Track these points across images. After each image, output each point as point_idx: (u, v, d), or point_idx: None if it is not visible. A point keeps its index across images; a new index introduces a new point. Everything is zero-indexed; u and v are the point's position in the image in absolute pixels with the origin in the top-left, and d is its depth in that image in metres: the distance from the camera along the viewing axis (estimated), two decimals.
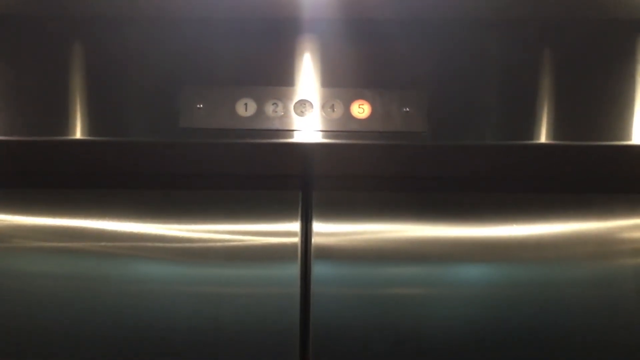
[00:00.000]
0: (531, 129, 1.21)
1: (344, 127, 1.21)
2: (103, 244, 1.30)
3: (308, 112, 1.22)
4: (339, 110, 1.22)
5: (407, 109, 1.21)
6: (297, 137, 1.21)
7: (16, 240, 1.31)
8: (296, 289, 1.29)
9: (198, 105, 1.21)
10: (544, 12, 1.22)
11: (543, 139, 1.21)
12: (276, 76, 1.23)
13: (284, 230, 1.31)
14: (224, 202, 1.32)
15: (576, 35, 1.23)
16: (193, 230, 1.32)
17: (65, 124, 1.21)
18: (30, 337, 1.27)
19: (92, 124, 1.21)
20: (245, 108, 1.22)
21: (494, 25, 1.23)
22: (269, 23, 1.23)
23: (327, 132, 1.21)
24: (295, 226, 1.31)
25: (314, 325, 1.27)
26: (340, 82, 1.23)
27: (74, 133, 1.21)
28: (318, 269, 1.29)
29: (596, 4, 1.21)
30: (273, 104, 1.22)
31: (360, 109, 1.22)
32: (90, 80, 1.23)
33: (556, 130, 1.21)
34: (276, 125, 1.21)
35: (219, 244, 1.31)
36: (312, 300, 1.28)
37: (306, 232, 1.31)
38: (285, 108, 1.21)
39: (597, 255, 1.31)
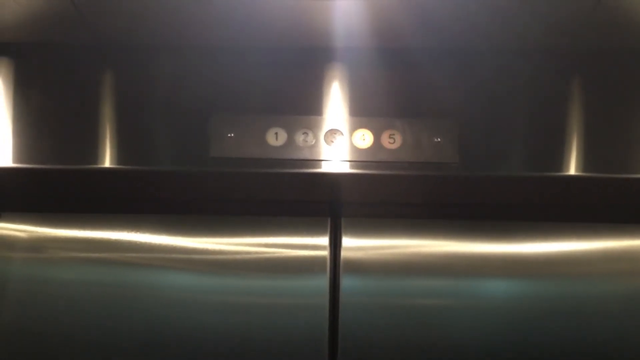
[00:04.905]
0: (561, 160, 1.21)
1: (374, 157, 1.21)
2: (137, 255, 1.34)
3: (338, 141, 1.22)
4: (369, 140, 1.22)
5: (438, 139, 1.21)
6: (327, 167, 1.22)
7: (52, 250, 1.35)
8: (325, 300, 1.32)
9: (229, 135, 1.22)
10: (575, 41, 1.19)
11: (572, 170, 1.21)
12: (307, 105, 1.22)
13: (313, 244, 1.34)
14: (254, 225, 1.35)
15: (608, 65, 1.21)
16: (224, 243, 1.35)
17: (96, 153, 1.23)
18: (64, 341, 1.33)
19: (123, 153, 1.23)
20: (276, 137, 1.22)
21: (525, 55, 1.21)
22: (300, 52, 1.22)
23: (356, 162, 1.21)
24: (324, 240, 1.34)
25: (342, 335, 1.32)
26: (370, 111, 1.22)
27: (105, 162, 1.22)
28: (346, 282, 1.33)
29: (627, 34, 1.17)
30: (303, 134, 1.22)
31: (391, 139, 1.22)
32: (121, 108, 1.23)
33: (586, 162, 1.21)
34: (306, 154, 1.22)
35: (249, 256, 1.34)
36: (341, 311, 1.32)
37: (335, 246, 1.34)
38: (316, 137, 1.22)
39: (619, 274, 1.33)
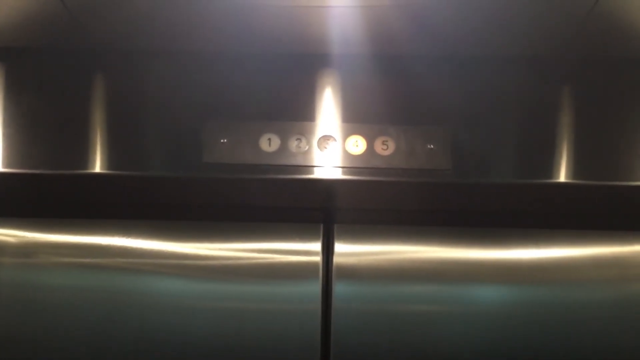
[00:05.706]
0: (553, 167, 1.21)
1: (367, 163, 1.21)
2: (128, 260, 1.34)
3: (331, 147, 1.22)
4: (362, 146, 1.22)
5: (432, 146, 1.21)
6: (320, 173, 1.22)
7: (42, 256, 1.34)
8: (318, 307, 1.32)
9: (222, 140, 1.22)
10: (568, 50, 1.20)
11: (564, 178, 1.21)
12: (300, 111, 1.22)
13: (306, 250, 1.33)
14: (246, 231, 1.34)
15: (600, 73, 1.22)
16: (217, 249, 1.35)
17: (88, 158, 1.22)
18: (54, 347, 1.32)
19: (115, 158, 1.22)
20: (269, 143, 1.22)
21: (518, 63, 1.22)
22: (294, 58, 1.21)
23: (349, 169, 1.21)
24: (317, 246, 1.34)
25: (334, 341, 1.32)
26: (364, 118, 1.22)
27: (96, 167, 1.22)
28: (339, 288, 1.33)
29: (620, 42, 1.18)
30: (297, 140, 1.22)
31: (384, 146, 1.22)
32: (114, 113, 1.22)
33: (578, 169, 1.21)
34: (299, 160, 1.21)
35: (242, 261, 1.34)
36: (333, 317, 1.32)
37: (327, 252, 1.34)
38: (309, 143, 1.22)
39: (610, 280, 1.34)
